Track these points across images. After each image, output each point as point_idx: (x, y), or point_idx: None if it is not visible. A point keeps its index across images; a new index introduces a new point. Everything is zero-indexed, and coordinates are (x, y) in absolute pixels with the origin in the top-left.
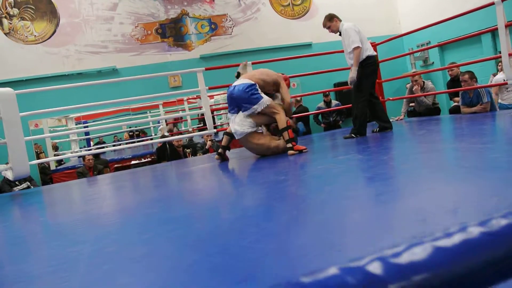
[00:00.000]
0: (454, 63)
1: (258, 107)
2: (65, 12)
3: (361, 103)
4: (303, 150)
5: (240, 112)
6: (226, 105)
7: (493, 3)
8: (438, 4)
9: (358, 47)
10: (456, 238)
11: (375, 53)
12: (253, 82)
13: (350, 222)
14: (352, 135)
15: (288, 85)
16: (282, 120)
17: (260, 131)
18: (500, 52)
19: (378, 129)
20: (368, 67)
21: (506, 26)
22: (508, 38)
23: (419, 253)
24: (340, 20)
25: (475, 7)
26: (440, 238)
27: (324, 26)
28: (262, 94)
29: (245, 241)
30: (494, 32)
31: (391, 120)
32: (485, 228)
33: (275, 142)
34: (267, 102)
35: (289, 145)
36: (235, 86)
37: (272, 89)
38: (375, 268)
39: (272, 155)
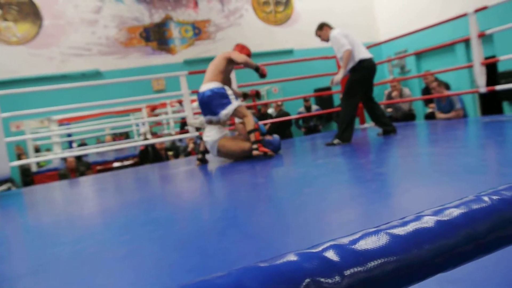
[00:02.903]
0: (429, 71)
1: (228, 112)
2: (48, 14)
3: (349, 107)
4: (268, 153)
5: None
6: None
7: (466, 14)
8: (416, 13)
9: (347, 49)
10: (410, 227)
11: (370, 56)
12: (220, 85)
13: (327, 222)
14: (334, 142)
15: (248, 52)
16: (250, 122)
17: (230, 135)
18: (472, 61)
19: (382, 132)
20: (361, 72)
21: (479, 36)
22: (481, 48)
23: (374, 241)
24: (331, 28)
25: (450, 18)
26: (395, 227)
27: (316, 34)
28: (231, 98)
29: (225, 243)
30: (467, 42)
31: (369, 126)
32: (438, 217)
33: (248, 144)
34: (235, 105)
35: (255, 146)
36: (203, 92)
37: (231, 68)
38: (331, 254)
39: (244, 155)
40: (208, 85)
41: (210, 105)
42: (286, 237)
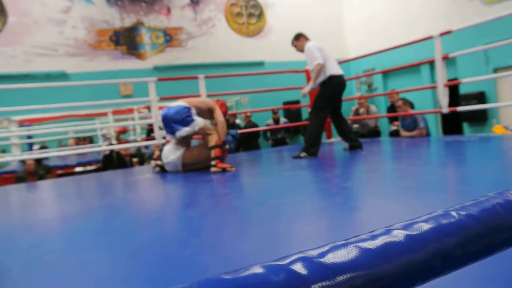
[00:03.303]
0: (395, 89)
1: (191, 129)
2: (14, 11)
3: (316, 122)
4: (227, 169)
5: (169, 145)
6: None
7: (431, 37)
8: (384, 33)
9: (319, 63)
10: (379, 240)
11: (340, 73)
12: (189, 106)
13: (291, 233)
14: (301, 155)
15: (226, 110)
16: (213, 139)
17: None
18: (436, 82)
19: (348, 147)
20: (330, 87)
21: (443, 58)
22: (444, 70)
23: (343, 254)
24: (308, 39)
25: (416, 39)
26: (365, 240)
27: (292, 44)
28: (196, 117)
29: (187, 252)
30: (432, 63)
31: (336, 140)
32: (408, 231)
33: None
34: (200, 124)
35: (213, 162)
36: (170, 107)
37: (207, 116)
38: (299, 267)
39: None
40: (175, 103)
41: (172, 121)
42: (250, 249)
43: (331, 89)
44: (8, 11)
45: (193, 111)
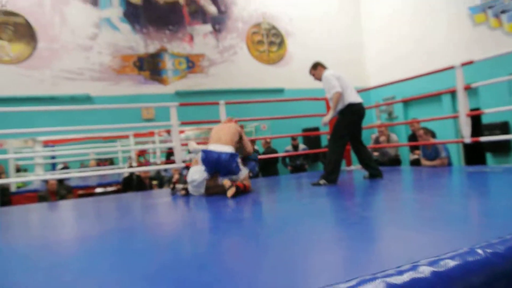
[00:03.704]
0: (416, 118)
1: (235, 177)
2: (44, 37)
3: (336, 149)
4: (240, 186)
5: (195, 166)
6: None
7: (453, 67)
8: (405, 62)
9: (337, 92)
10: (406, 276)
11: (359, 100)
12: (235, 152)
13: (311, 262)
14: (320, 182)
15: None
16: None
17: None
18: (458, 112)
19: (368, 176)
20: (349, 115)
21: (465, 88)
22: (466, 100)
23: None
24: (325, 68)
25: (437, 69)
26: (391, 275)
27: (309, 73)
28: (241, 167)
29: (205, 278)
30: (453, 93)
31: (356, 168)
32: (434, 268)
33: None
34: (243, 176)
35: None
36: (220, 153)
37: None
38: None
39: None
40: (226, 148)
41: (223, 167)
42: (269, 278)
43: (350, 117)
44: (38, 37)
45: (239, 159)
